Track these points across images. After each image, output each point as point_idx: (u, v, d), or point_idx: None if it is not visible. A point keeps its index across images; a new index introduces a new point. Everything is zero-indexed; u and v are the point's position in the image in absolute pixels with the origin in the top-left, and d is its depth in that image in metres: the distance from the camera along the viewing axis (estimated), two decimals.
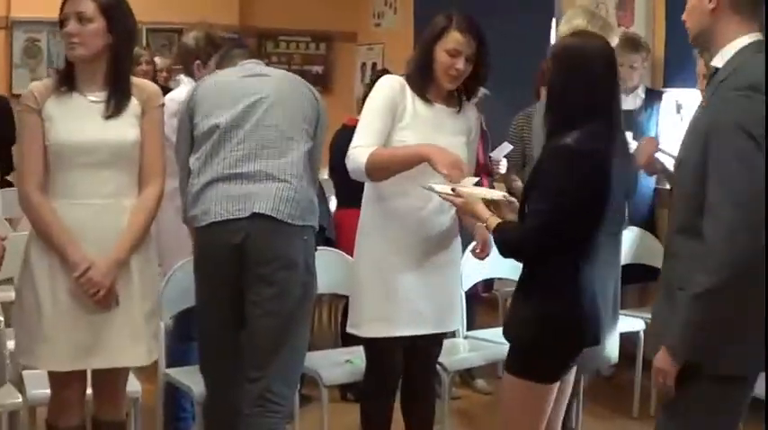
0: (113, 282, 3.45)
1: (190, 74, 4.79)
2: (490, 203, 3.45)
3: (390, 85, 3.89)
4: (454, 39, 3.78)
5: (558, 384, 3.29)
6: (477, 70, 3.87)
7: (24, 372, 3.99)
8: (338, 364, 4.49)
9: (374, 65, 9.35)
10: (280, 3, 9.14)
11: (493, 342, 4.69)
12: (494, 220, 3.34)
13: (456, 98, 3.96)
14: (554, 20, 7.07)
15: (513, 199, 3.51)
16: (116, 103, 3.50)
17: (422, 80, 3.87)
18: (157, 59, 7.39)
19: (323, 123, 3.92)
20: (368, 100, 3.95)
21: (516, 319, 3.30)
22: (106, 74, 3.51)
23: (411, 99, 3.87)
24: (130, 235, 3.50)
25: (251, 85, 3.83)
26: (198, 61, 4.75)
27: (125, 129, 3.50)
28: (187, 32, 5.02)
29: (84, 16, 3.43)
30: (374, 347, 4.00)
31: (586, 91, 3.14)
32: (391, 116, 3.83)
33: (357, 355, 4.34)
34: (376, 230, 3.92)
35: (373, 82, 5.84)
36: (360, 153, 3.78)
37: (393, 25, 9.20)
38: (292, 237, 3.66)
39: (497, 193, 3.58)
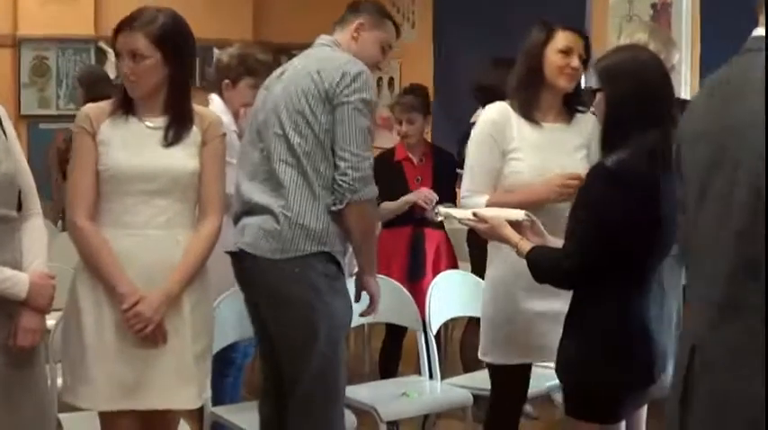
0: (162, 317, 3.20)
1: (219, 92, 4.58)
2: (512, 225, 3.25)
3: (488, 118, 3.74)
4: (564, 37, 3.65)
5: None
6: None
7: (61, 416, 3.72)
8: (394, 397, 4.24)
9: (390, 79, 9.15)
10: (293, 17, 8.92)
11: None
12: (525, 244, 3.15)
13: (566, 112, 3.76)
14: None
15: (534, 218, 3.28)
16: (176, 130, 3.28)
17: (528, 97, 3.68)
18: None
19: (338, 104, 3.46)
20: (471, 138, 3.80)
21: (563, 360, 3.10)
22: (166, 100, 3.29)
23: (516, 124, 3.67)
24: (184, 269, 3.25)
25: (254, 107, 3.71)
26: (227, 81, 4.54)
27: (185, 157, 3.27)
28: (225, 48, 4.78)
29: (137, 53, 3.21)
30: (495, 371, 3.85)
31: (639, 104, 2.95)
32: (496, 149, 3.67)
33: (411, 388, 4.19)
34: (500, 257, 3.69)
35: (402, 96, 5.62)
36: (474, 203, 3.62)
37: (411, 40, 9.00)
38: (276, 272, 3.46)
39: (519, 214, 3.32)
